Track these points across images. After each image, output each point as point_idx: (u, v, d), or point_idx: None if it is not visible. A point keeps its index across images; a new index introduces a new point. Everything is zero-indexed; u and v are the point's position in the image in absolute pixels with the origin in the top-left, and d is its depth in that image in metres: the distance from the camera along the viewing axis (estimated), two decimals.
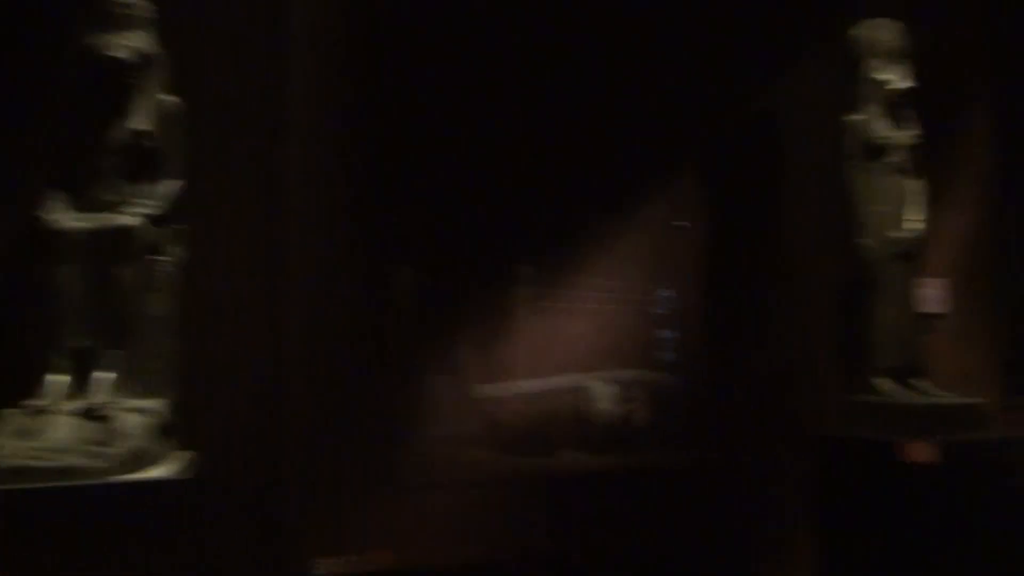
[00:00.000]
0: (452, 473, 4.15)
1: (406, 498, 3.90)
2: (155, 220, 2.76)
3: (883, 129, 3.97)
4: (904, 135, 3.98)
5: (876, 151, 3.96)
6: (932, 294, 4.49)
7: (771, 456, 4.44)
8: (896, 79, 3.97)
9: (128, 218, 2.68)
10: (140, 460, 2.46)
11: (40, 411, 2.46)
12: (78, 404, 2.51)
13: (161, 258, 2.81)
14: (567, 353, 4.55)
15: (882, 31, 4.04)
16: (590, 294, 4.67)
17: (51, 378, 2.55)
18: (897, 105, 3.99)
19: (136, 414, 2.55)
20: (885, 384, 3.90)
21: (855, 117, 4.02)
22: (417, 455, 4.08)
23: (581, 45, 4.39)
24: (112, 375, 2.60)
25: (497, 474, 4.22)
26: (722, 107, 4.54)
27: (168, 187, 2.85)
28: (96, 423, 2.47)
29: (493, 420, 4.39)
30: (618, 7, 4.43)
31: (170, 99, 2.92)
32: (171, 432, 2.70)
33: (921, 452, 3.58)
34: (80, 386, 2.57)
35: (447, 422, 4.28)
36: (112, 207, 2.71)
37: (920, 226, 3.92)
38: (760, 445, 4.45)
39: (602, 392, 4.60)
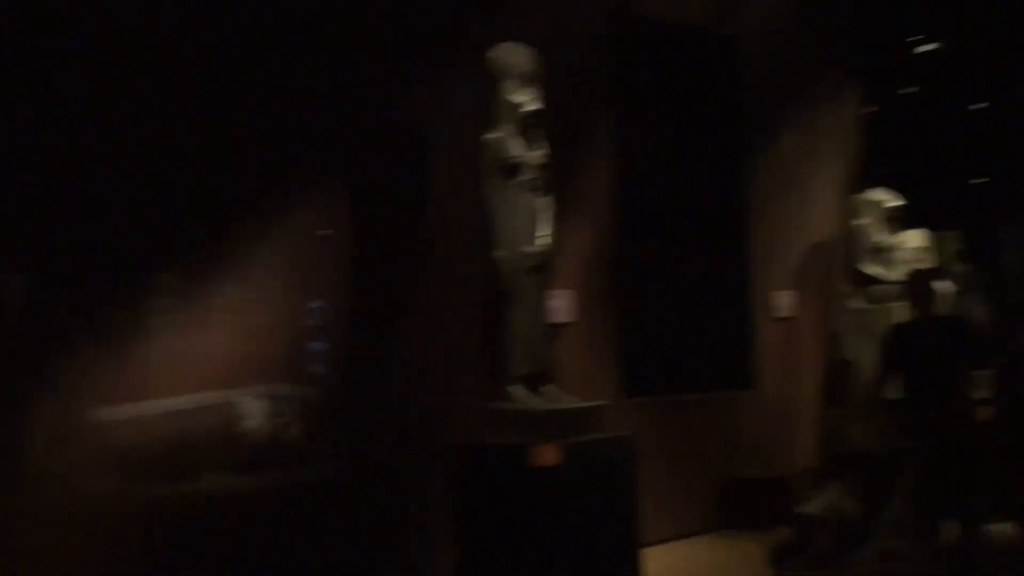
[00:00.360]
0: (68, 507, 3.68)
1: (9, 537, 3.40)
2: None
3: (516, 148, 4.19)
4: (535, 155, 4.22)
5: (510, 169, 4.16)
6: (561, 304, 4.83)
7: (415, 465, 4.49)
8: (527, 101, 4.21)
9: None
10: None
11: None
12: None
13: None
14: (211, 368, 4.26)
15: (515, 55, 4.27)
16: (235, 305, 4.41)
17: None
18: (529, 126, 4.23)
19: None
20: (518, 391, 4.10)
21: (491, 136, 4.19)
22: (23, 488, 3.58)
23: (226, 46, 4.15)
24: None
25: (123, 505, 3.82)
26: (368, 117, 4.52)
27: None
28: None
29: (123, 444, 3.97)
30: (261, 11, 4.25)
31: None
32: None
33: (547, 454, 3.80)
34: None
35: (64, 449, 3.80)
36: None
37: (549, 241, 4.19)
38: (404, 455, 4.48)
39: (251, 408, 4.36)
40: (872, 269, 6.72)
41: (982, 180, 9.75)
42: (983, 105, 9.60)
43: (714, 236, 5.89)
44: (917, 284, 4.94)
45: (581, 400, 4.21)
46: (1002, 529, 4.86)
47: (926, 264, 7.08)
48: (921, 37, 8.82)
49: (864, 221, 6.75)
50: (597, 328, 5.12)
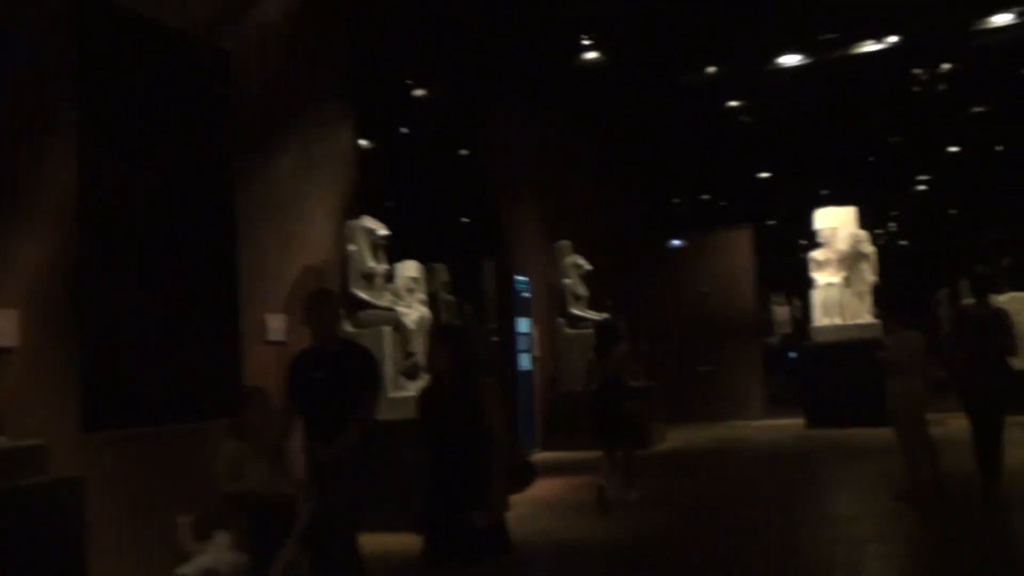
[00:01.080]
0: None
1: None
2: None
3: None
4: None
5: None
6: None
7: None
8: None
9: None
10: None
11: None
12: None
13: None
14: None
15: None
16: None
17: None
18: None
19: None
20: None
21: None
22: None
23: None
24: None
25: None
26: None
27: None
28: None
29: None
30: None
31: None
32: None
33: None
34: None
35: None
36: None
37: None
38: None
39: None
40: (362, 294, 6.91)
41: (466, 219, 10.77)
42: (466, 152, 10.61)
43: (200, 254, 5.51)
44: (312, 306, 4.13)
45: (14, 439, 3.57)
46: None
47: (418, 294, 7.50)
48: (412, 83, 9.45)
49: (355, 247, 6.92)
50: (49, 354, 4.42)
